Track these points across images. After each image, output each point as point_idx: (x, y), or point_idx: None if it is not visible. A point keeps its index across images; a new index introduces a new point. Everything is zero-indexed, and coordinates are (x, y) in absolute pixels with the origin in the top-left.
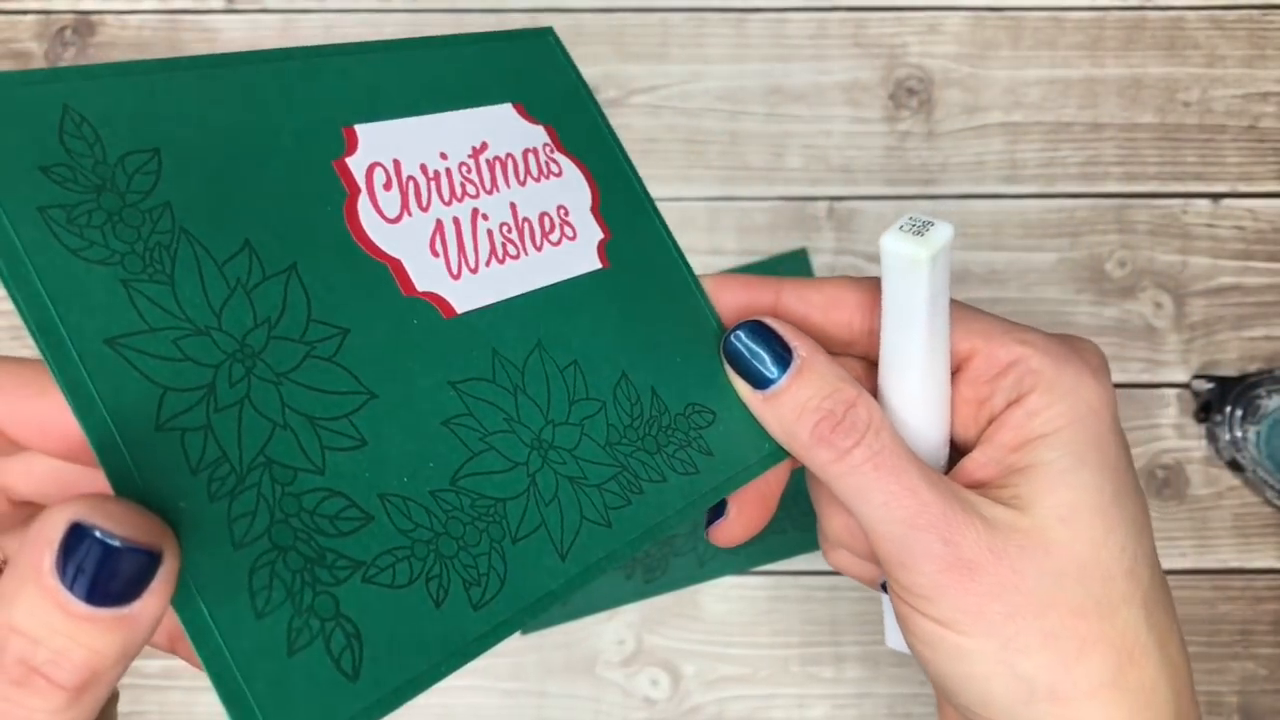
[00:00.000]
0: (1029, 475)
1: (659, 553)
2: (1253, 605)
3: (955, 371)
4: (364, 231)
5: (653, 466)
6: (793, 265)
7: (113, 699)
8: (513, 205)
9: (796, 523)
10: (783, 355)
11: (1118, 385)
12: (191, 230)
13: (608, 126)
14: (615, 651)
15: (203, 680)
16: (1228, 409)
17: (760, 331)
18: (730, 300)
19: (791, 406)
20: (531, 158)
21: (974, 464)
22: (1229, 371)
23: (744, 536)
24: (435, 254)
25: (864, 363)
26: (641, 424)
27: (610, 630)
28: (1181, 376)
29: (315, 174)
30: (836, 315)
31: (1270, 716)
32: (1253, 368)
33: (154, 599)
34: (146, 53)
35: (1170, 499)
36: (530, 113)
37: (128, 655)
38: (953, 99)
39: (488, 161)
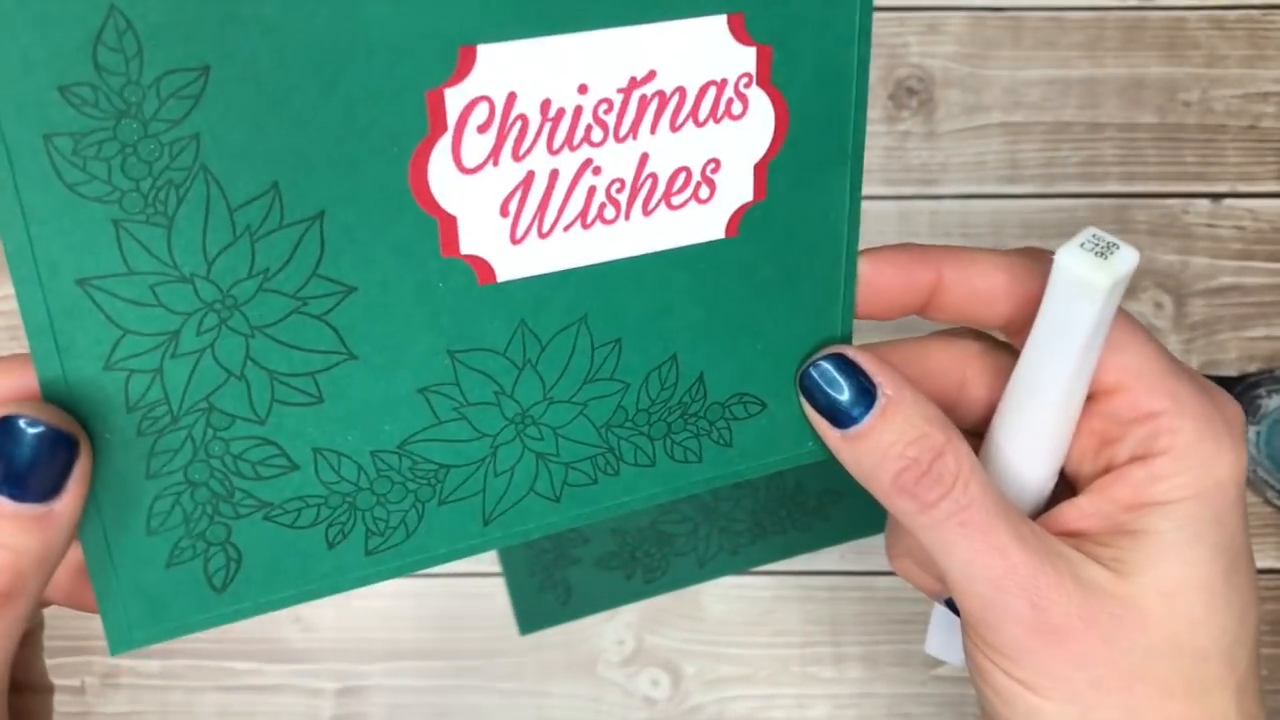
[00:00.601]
0: (1138, 541)
1: (659, 553)
2: None
3: (1090, 398)
4: (426, 181)
5: (645, 450)
6: None
7: (37, 630)
8: (643, 157)
9: (797, 523)
10: (867, 391)
11: None
12: (214, 168)
13: (862, 43)
14: (615, 651)
15: (204, 680)
16: None
17: (842, 365)
18: (885, 286)
19: (873, 451)
20: (710, 93)
21: (1078, 511)
22: (1229, 371)
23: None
24: (505, 213)
25: (985, 351)
26: (661, 408)
27: (610, 630)
28: None
29: (398, 105)
30: (999, 309)
31: (1271, 716)
32: (1253, 368)
33: (70, 497)
34: None
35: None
36: (748, 27)
37: (47, 560)
38: (953, 99)
39: (642, 97)
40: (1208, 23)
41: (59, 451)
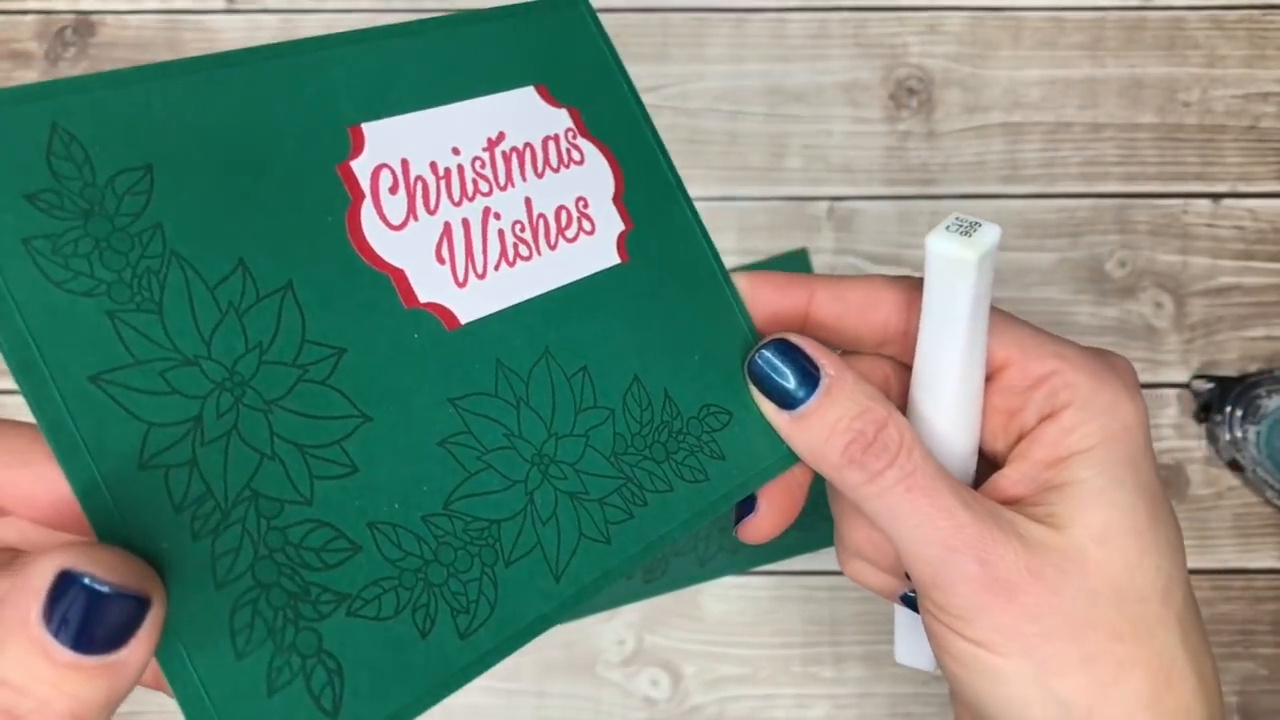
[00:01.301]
0: (1064, 493)
1: (659, 553)
2: (1253, 605)
3: (987, 380)
4: (366, 241)
5: (659, 476)
6: (793, 265)
7: None
8: (528, 200)
9: (797, 522)
10: (810, 374)
11: None
12: (183, 252)
13: (638, 104)
14: (615, 651)
15: None
16: (1228, 409)
17: (786, 350)
18: (763, 300)
19: (820, 428)
20: (552, 145)
21: (1007, 480)
22: (1229, 371)
23: (774, 531)
24: (441, 261)
25: (894, 364)
26: (651, 430)
27: (610, 630)
28: (1181, 376)
29: (317, 180)
30: (873, 316)
31: (1270, 716)
32: (1253, 368)
33: (140, 645)
34: (147, 53)
35: (1170, 499)
36: (554, 95)
37: (112, 703)
38: (953, 99)
39: (504, 154)
40: (1208, 23)
41: (130, 607)
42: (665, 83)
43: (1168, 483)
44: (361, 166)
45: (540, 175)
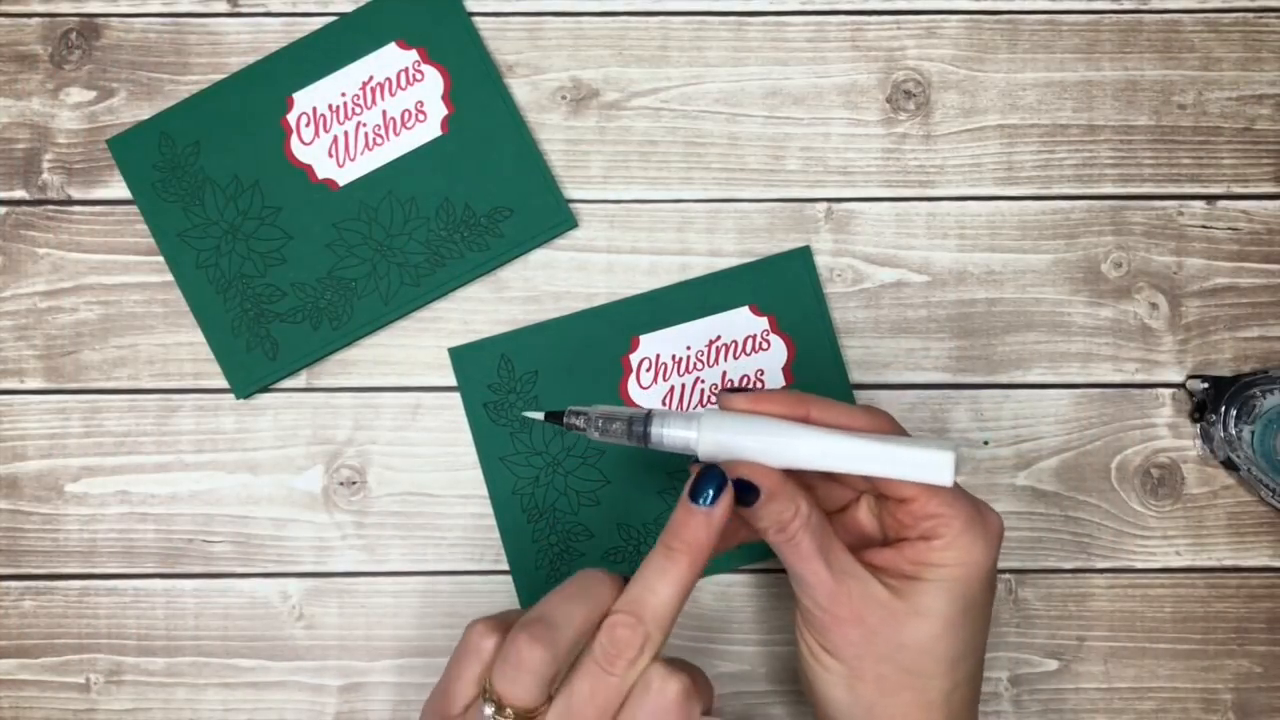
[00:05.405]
0: (915, 583)
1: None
2: (1247, 603)
3: (902, 502)
4: (294, 155)
5: (454, 249)
6: (796, 263)
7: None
8: (384, 113)
9: None
10: (759, 489)
11: (1114, 385)
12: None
13: (486, 61)
14: None
15: (208, 677)
16: (1222, 409)
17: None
18: (774, 413)
19: (759, 516)
20: (403, 76)
21: (884, 556)
22: (1223, 372)
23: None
24: (330, 157)
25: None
26: (453, 226)
27: None
28: (1176, 376)
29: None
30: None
31: (1265, 713)
32: (1247, 368)
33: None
34: (152, 57)
35: (1165, 498)
36: (432, 58)
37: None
38: (950, 102)
39: (373, 92)
40: (1203, 25)
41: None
42: (665, 85)
43: (1163, 482)
44: (294, 111)
45: (393, 95)
